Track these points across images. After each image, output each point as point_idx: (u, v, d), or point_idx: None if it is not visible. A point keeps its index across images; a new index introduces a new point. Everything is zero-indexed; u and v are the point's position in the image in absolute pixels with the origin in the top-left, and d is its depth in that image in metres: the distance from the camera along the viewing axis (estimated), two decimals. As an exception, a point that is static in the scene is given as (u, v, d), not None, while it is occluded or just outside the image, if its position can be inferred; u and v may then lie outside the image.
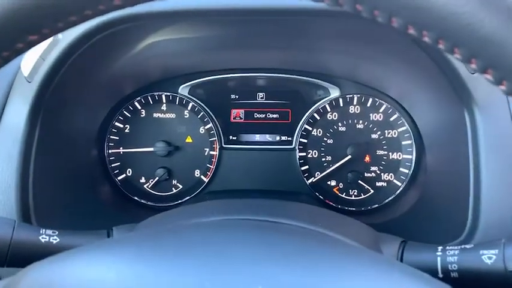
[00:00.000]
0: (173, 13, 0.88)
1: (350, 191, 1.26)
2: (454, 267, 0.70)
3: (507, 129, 0.85)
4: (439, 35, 0.39)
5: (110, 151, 1.29)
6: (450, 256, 0.71)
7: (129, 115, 1.29)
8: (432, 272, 0.71)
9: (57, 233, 0.77)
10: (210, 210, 0.83)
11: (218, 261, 0.48)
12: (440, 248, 0.73)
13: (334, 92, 1.26)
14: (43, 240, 0.75)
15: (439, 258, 0.71)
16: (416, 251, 0.75)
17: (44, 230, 0.77)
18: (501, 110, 0.87)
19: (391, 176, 1.24)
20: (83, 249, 0.54)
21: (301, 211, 0.82)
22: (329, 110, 1.27)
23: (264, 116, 1.31)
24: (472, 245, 0.71)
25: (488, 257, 0.68)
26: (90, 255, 0.52)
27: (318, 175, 1.26)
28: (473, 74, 0.86)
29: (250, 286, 0.43)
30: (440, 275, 0.71)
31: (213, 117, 1.29)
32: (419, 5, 0.37)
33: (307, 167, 1.27)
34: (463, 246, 0.72)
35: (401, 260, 0.75)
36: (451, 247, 0.73)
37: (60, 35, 0.89)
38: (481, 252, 0.69)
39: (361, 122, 1.26)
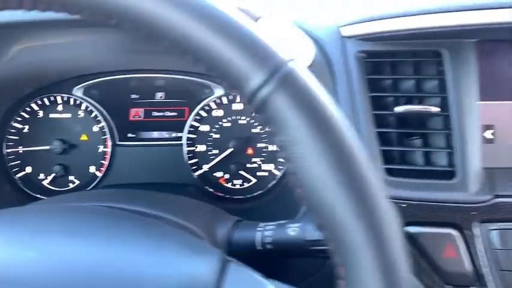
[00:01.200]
0: (44, 23, 0.96)
1: (234, 181, 1.37)
2: (269, 240, 0.82)
3: None
4: None
5: (8, 150, 1.36)
6: (267, 231, 0.83)
7: (27, 116, 1.37)
8: (253, 245, 0.83)
9: None
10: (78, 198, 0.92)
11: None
12: (262, 224, 0.85)
13: (219, 91, 1.38)
14: None
15: (258, 234, 0.84)
16: (243, 229, 0.87)
17: None
18: None
19: (271, 166, 1.37)
20: None
21: (147, 197, 0.92)
22: (214, 107, 1.38)
23: (162, 114, 1.41)
24: (286, 221, 0.84)
25: (293, 230, 0.81)
26: None
27: (205, 167, 1.37)
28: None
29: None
30: (260, 248, 0.83)
31: (106, 116, 1.37)
32: None
33: (195, 160, 1.37)
34: (279, 222, 0.84)
35: (230, 238, 0.86)
36: (271, 223, 0.85)
37: None
38: (287, 226, 0.81)
39: (243, 117, 1.37)
